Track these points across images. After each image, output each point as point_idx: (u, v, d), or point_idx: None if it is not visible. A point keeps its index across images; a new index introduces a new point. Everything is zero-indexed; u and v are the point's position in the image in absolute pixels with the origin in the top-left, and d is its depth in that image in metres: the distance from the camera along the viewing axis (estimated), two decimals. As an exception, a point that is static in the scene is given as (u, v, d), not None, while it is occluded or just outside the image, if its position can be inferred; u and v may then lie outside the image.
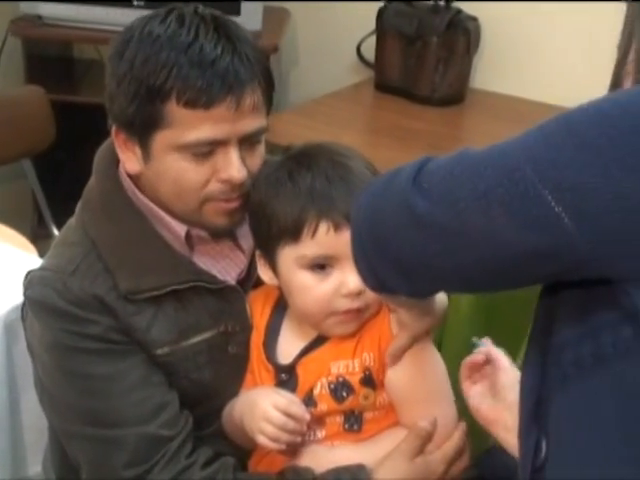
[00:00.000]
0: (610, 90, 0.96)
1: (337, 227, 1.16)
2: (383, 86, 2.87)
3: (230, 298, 1.29)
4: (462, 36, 2.74)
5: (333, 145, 1.25)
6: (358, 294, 1.17)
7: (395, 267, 0.96)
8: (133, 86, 1.17)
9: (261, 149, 1.25)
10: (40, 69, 2.93)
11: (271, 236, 1.20)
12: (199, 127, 1.16)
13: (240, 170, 1.20)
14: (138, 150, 1.22)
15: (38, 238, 2.61)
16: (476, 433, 1.26)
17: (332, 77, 3.08)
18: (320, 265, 1.18)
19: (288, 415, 1.18)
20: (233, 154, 1.19)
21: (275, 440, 1.19)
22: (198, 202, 1.22)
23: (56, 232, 2.65)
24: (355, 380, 1.21)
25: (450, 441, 1.25)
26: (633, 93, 0.84)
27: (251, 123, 1.19)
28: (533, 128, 0.85)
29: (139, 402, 1.24)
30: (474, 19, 2.78)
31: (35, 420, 1.69)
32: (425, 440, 1.23)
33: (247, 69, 1.17)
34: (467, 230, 0.86)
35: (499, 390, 1.15)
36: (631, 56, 0.92)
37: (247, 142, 1.21)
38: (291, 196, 1.18)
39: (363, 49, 2.98)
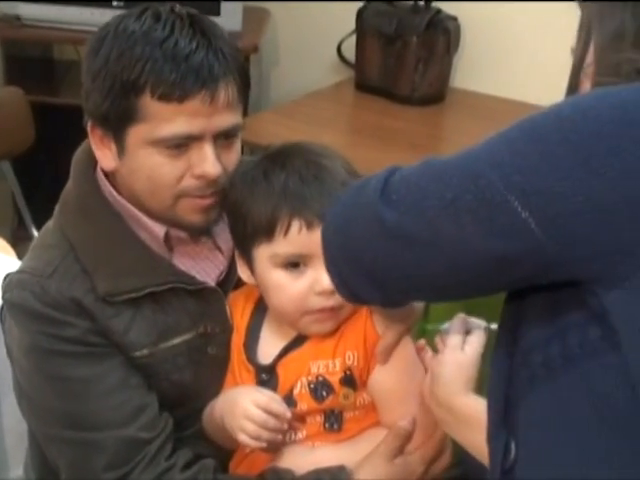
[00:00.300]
0: (567, 94, 0.97)
1: (309, 226, 1.16)
2: (363, 86, 2.87)
3: (209, 299, 1.29)
4: (442, 36, 2.75)
5: (310, 145, 1.26)
6: (332, 292, 1.17)
7: (368, 280, 0.97)
8: (108, 81, 1.17)
9: (237, 147, 1.25)
10: (19, 70, 2.92)
11: (246, 235, 1.21)
12: (173, 121, 1.17)
13: (215, 165, 1.20)
14: (113, 146, 1.22)
15: (18, 240, 2.60)
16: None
17: (312, 77, 3.08)
18: (294, 264, 1.19)
19: (269, 413, 1.18)
20: (208, 149, 1.19)
21: (256, 438, 1.19)
22: (172, 198, 1.22)
23: (36, 234, 2.62)
24: (335, 380, 1.22)
25: (430, 441, 1.25)
26: (592, 97, 0.85)
27: (226, 119, 1.20)
28: (496, 135, 0.86)
29: (118, 405, 1.23)
30: (454, 19, 2.78)
31: (16, 424, 1.67)
32: (404, 440, 1.23)
33: (222, 64, 1.17)
34: (437, 239, 0.88)
35: (432, 381, 1.12)
36: (589, 59, 0.93)
37: (222, 138, 1.21)
38: (265, 195, 1.18)
39: (343, 49, 2.98)
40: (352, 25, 2.86)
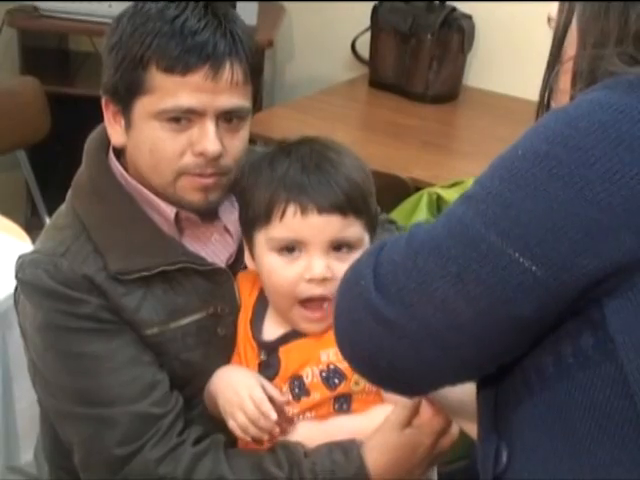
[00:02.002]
0: (543, 84, 0.93)
1: (304, 211, 1.17)
2: (377, 83, 2.89)
3: (219, 280, 1.30)
4: (456, 34, 2.76)
5: (323, 139, 1.26)
6: (322, 280, 1.18)
7: (390, 382, 0.93)
8: (120, 55, 1.21)
9: (242, 133, 1.26)
10: (36, 60, 2.94)
11: (249, 220, 1.23)
12: (177, 94, 1.19)
13: (214, 143, 1.21)
14: (122, 121, 1.25)
15: (31, 229, 2.61)
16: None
17: (326, 73, 3.09)
18: (289, 248, 1.19)
19: (260, 411, 1.19)
20: (209, 127, 1.21)
21: (243, 430, 1.21)
22: (173, 175, 1.24)
23: (49, 223, 2.64)
24: (346, 366, 1.20)
25: (437, 416, 1.26)
26: (562, 125, 0.80)
27: (229, 99, 1.22)
28: (479, 191, 0.82)
29: (130, 381, 1.24)
30: (468, 17, 2.80)
31: (28, 408, 1.69)
32: (412, 411, 1.24)
33: (228, 44, 1.20)
34: (454, 320, 0.82)
35: None
36: (569, 53, 0.89)
37: (226, 119, 1.23)
38: (267, 181, 1.20)
39: (358, 46, 3.00)
40: (367, 22, 2.87)
